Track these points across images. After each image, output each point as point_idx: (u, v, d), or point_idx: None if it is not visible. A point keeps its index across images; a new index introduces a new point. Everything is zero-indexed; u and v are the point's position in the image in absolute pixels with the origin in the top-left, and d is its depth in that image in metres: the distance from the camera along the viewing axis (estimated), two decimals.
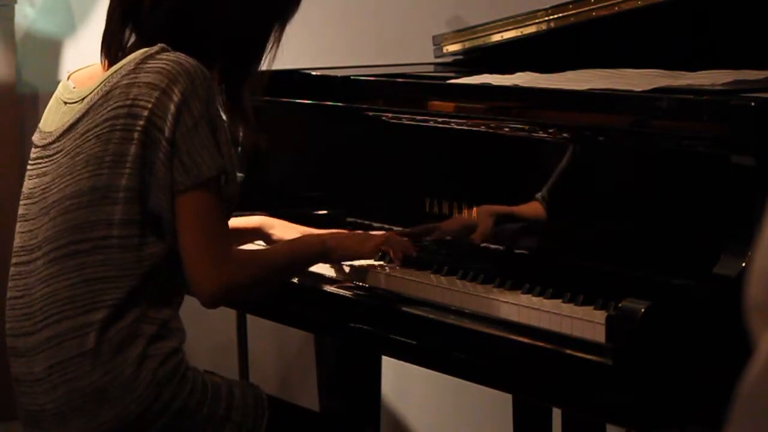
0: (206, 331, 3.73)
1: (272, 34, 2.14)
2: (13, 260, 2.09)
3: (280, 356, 3.94)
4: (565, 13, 2.57)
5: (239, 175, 2.35)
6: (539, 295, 2.04)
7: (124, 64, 2.03)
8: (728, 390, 0.97)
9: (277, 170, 2.77)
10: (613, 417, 1.97)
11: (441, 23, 3.26)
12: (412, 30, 3.39)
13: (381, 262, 2.30)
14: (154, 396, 1.97)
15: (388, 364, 2.91)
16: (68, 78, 2.15)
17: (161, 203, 1.97)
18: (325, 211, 2.61)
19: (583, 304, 1.97)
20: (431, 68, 2.92)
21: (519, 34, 2.68)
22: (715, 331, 1.83)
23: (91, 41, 2.95)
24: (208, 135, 1.98)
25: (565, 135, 2.18)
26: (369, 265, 2.29)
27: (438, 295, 2.16)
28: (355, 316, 2.26)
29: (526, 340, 1.96)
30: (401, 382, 3.57)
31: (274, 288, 2.25)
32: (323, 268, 2.30)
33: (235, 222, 2.35)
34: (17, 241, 2.10)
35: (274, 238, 2.40)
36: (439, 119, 2.39)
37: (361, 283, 2.28)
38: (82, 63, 2.20)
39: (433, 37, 2.93)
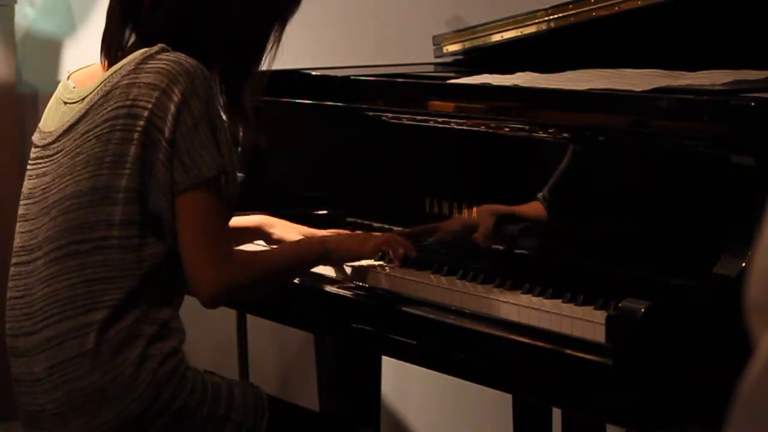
0: (206, 331, 3.73)
1: (272, 34, 2.14)
2: (13, 260, 2.09)
3: (280, 356, 3.94)
4: (565, 13, 2.57)
5: (239, 175, 2.35)
6: (539, 295, 2.04)
7: (124, 65, 2.03)
8: (728, 390, 0.96)
9: (277, 170, 2.77)
10: (613, 417, 1.97)
11: (441, 23, 3.26)
12: (412, 30, 3.39)
13: (381, 262, 2.30)
14: (154, 396, 1.97)
15: (388, 364, 2.91)
16: (68, 78, 2.15)
17: (161, 203, 1.97)
18: (325, 211, 2.61)
19: (583, 304, 1.97)
20: (431, 68, 2.92)
21: (519, 34, 2.68)
22: (715, 331, 1.83)
23: (91, 41, 2.95)
24: (208, 135, 1.98)
25: (565, 135, 2.18)
26: (369, 266, 2.29)
27: (438, 295, 2.16)
28: (355, 316, 2.26)
29: (526, 340, 1.96)
30: (401, 382, 3.57)
31: (274, 289, 2.25)
32: (323, 268, 2.30)
33: (235, 221, 2.34)
34: (17, 241, 2.10)
35: (275, 237, 2.41)
36: (439, 119, 2.39)
37: (361, 283, 2.28)
38: (82, 63, 2.20)
39: (433, 37, 2.93)
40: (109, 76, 2.03)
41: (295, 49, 2.22)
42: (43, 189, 2.06)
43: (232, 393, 2.05)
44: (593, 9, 2.50)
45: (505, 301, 2.05)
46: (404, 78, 2.64)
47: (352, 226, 2.45)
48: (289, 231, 2.40)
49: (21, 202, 2.11)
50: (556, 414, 2.71)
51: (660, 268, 1.96)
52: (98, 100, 2.02)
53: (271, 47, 2.15)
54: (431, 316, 2.11)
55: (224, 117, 2.08)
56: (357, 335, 2.29)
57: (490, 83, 2.39)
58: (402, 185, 2.46)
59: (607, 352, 1.82)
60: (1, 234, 3.26)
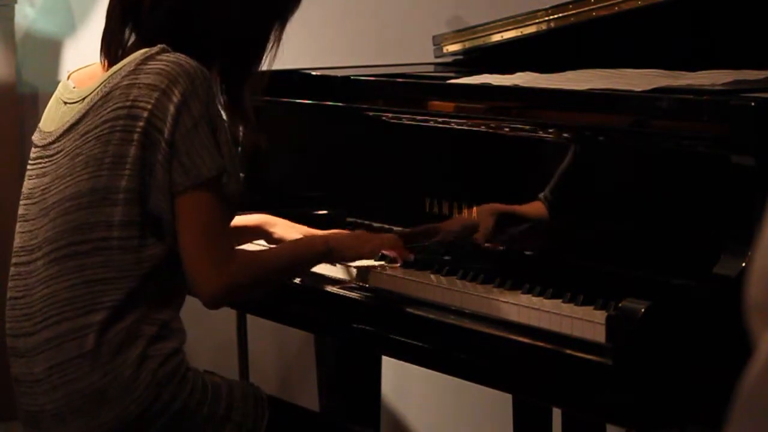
0: (206, 331, 3.73)
1: (272, 33, 2.14)
2: (13, 260, 2.09)
3: (280, 356, 3.94)
4: (565, 13, 2.57)
5: (241, 175, 2.35)
6: (539, 295, 2.04)
7: (125, 65, 2.03)
8: (728, 390, 0.97)
9: (277, 170, 2.77)
10: (613, 417, 1.97)
11: (441, 23, 3.26)
12: (412, 30, 3.39)
13: (381, 262, 2.30)
14: (154, 396, 1.97)
15: (388, 364, 2.91)
16: (68, 78, 2.15)
17: (161, 204, 1.97)
18: (325, 211, 2.61)
19: (583, 304, 1.97)
20: (431, 68, 2.92)
21: (519, 34, 2.68)
22: (715, 331, 1.83)
23: (91, 41, 2.95)
24: (208, 135, 1.97)
25: (565, 135, 2.18)
26: (369, 266, 2.29)
27: (438, 295, 2.16)
28: (355, 317, 2.26)
29: (526, 340, 1.96)
30: (401, 382, 3.57)
31: (275, 288, 2.25)
32: (323, 269, 2.30)
33: (235, 221, 2.34)
34: (17, 242, 2.09)
35: (275, 236, 2.40)
36: (439, 119, 2.39)
37: (361, 283, 2.28)
38: (82, 63, 2.20)
39: (433, 37, 2.93)
40: (109, 77, 2.03)
41: (295, 49, 2.22)
42: (42, 189, 2.06)
43: (232, 393, 2.05)
44: (593, 9, 2.50)
45: (505, 301, 2.05)
46: (404, 78, 2.64)
47: (352, 226, 2.45)
48: (290, 230, 2.40)
49: (21, 202, 2.11)
50: (556, 414, 2.71)
51: (660, 268, 1.96)
52: (98, 100, 2.02)
53: (271, 47, 2.14)
54: (431, 316, 2.11)
55: (224, 117, 2.08)
56: (357, 335, 2.29)
57: (490, 83, 2.39)
58: (402, 185, 2.46)
59: (607, 352, 1.82)
60: (1, 234, 3.26)
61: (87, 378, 1.97)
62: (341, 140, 2.66)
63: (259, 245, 2.43)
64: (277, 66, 2.18)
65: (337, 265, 2.30)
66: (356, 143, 2.61)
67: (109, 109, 2.00)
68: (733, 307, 1.22)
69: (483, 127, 2.31)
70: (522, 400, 2.71)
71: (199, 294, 2.01)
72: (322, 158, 2.70)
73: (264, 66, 2.15)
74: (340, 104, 2.62)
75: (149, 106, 1.96)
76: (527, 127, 2.25)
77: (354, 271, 2.29)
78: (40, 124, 2.14)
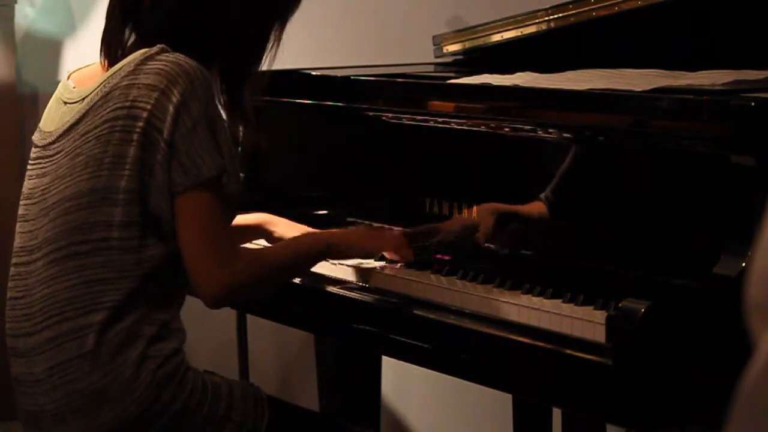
0: (206, 331, 3.73)
1: (272, 33, 2.14)
2: (14, 260, 2.09)
3: (280, 356, 3.94)
4: (565, 13, 2.57)
5: (241, 174, 2.35)
6: (539, 295, 2.04)
7: (124, 65, 2.03)
8: (728, 390, 0.96)
9: (277, 170, 2.77)
10: (613, 417, 1.97)
11: (441, 23, 3.26)
12: (412, 30, 3.39)
13: (381, 263, 2.30)
14: (154, 397, 1.97)
15: (388, 364, 2.92)
16: (68, 77, 2.15)
17: (161, 205, 1.97)
18: (325, 211, 2.61)
19: (583, 304, 1.97)
20: (431, 68, 2.92)
21: (519, 34, 2.68)
22: (715, 331, 1.83)
23: (91, 41, 2.95)
24: (208, 136, 1.97)
25: (565, 135, 2.18)
26: (369, 266, 2.28)
27: (438, 295, 2.15)
28: (355, 317, 2.26)
29: (526, 340, 1.96)
30: (401, 382, 3.57)
31: (278, 287, 2.24)
32: (323, 269, 2.30)
33: (235, 220, 2.34)
34: (17, 242, 2.09)
35: (276, 235, 2.40)
36: (439, 119, 2.39)
37: (361, 283, 2.28)
38: (82, 63, 2.20)
39: (433, 37, 2.93)
40: (109, 77, 2.03)
41: (295, 49, 2.22)
42: (42, 190, 2.06)
43: (232, 393, 2.05)
44: (593, 9, 2.50)
45: (505, 301, 2.05)
46: (404, 78, 2.64)
47: (353, 226, 2.45)
48: (290, 229, 2.39)
49: (21, 202, 2.11)
50: (556, 414, 2.71)
51: (660, 268, 1.96)
52: (98, 100, 2.02)
53: (271, 47, 2.14)
54: (431, 316, 2.11)
55: (224, 117, 2.08)
56: (357, 335, 2.29)
57: (490, 83, 2.39)
58: (402, 185, 2.46)
59: (607, 352, 1.82)
60: (1, 234, 3.26)
61: (87, 378, 1.97)
62: (341, 140, 2.66)
63: (259, 245, 2.43)
64: (277, 66, 2.18)
65: (337, 265, 2.30)
66: (356, 143, 2.61)
67: (108, 110, 2.00)
68: (733, 307, 1.22)
69: (483, 127, 2.31)
70: (522, 400, 2.71)
71: (201, 294, 2.00)
72: (322, 158, 2.70)
73: (264, 66, 2.15)
74: (340, 104, 2.62)
75: (149, 107, 1.96)
76: (527, 127, 2.25)
77: (354, 271, 2.29)
78: (40, 124, 2.14)
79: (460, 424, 3.50)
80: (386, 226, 2.41)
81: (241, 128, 2.27)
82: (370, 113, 2.55)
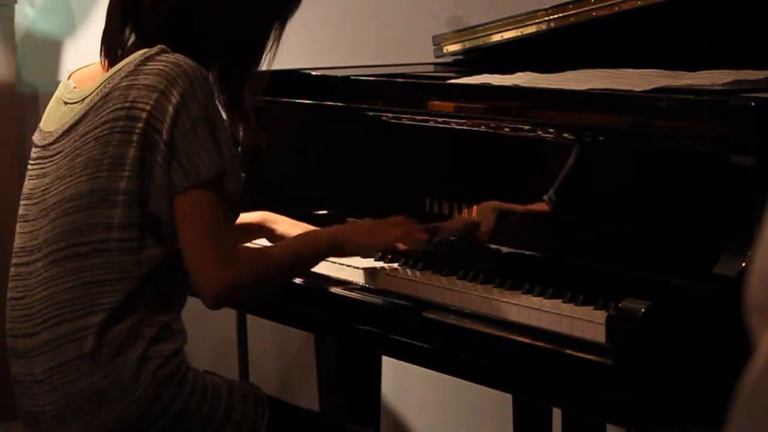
0: (206, 331, 3.73)
1: (272, 33, 2.14)
2: (14, 261, 2.09)
3: (280, 356, 3.94)
4: (565, 13, 2.57)
5: (241, 174, 2.35)
6: (539, 295, 2.04)
7: (124, 66, 2.03)
8: (728, 390, 0.97)
9: (277, 170, 2.77)
10: (613, 417, 1.97)
11: (441, 23, 3.26)
12: (412, 30, 3.39)
13: (381, 263, 2.30)
14: (154, 397, 1.97)
15: (388, 364, 2.91)
16: (69, 77, 2.15)
17: (160, 206, 1.97)
18: (325, 211, 2.61)
19: (583, 304, 1.97)
20: (431, 68, 2.92)
21: (519, 34, 2.68)
22: (715, 331, 1.83)
23: (91, 41, 2.95)
24: (207, 136, 1.97)
25: (565, 135, 2.18)
26: (369, 266, 2.28)
27: (438, 295, 2.15)
28: (355, 317, 2.26)
29: (526, 340, 1.96)
30: (401, 382, 3.57)
31: (281, 286, 2.24)
32: (323, 269, 2.30)
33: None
34: (17, 242, 2.09)
35: (278, 233, 2.39)
36: (439, 119, 2.39)
37: (361, 284, 2.28)
38: (82, 63, 2.20)
39: (433, 37, 2.93)
40: (109, 77, 2.03)
41: (295, 49, 2.22)
42: (42, 190, 2.06)
43: (232, 393, 2.05)
44: (593, 9, 2.50)
45: (505, 301, 2.05)
46: (404, 78, 2.64)
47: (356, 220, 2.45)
48: (292, 227, 2.39)
49: (21, 203, 2.11)
50: (556, 414, 2.71)
51: (660, 268, 1.96)
52: (98, 101, 2.02)
53: (271, 47, 2.14)
54: (431, 316, 2.11)
55: (224, 116, 2.08)
56: (357, 335, 2.29)
57: (490, 83, 2.39)
58: (402, 185, 2.46)
59: (607, 352, 1.82)
60: (1, 234, 3.26)
61: (87, 379, 1.96)
62: (341, 140, 2.66)
63: (261, 244, 2.43)
64: (277, 66, 2.18)
65: (337, 265, 2.30)
66: (356, 143, 2.61)
67: (108, 110, 2.00)
68: (733, 307, 1.22)
69: (483, 127, 2.31)
70: (522, 400, 2.71)
71: (202, 294, 2.00)
72: (322, 158, 2.70)
73: (264, 66, 2.15)
74: (340, 104, 2.62)
75: (148, 107, 1.96)
76: (527, 127, 2.25)
77: (354, 271, 2.29)
78: (41, 124, 2.14)
79: (460, 424, 3.50)
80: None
81: (241, 128, 2.26)
82: (370, 113, 2.55)
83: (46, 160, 2.07)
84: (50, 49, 4.07)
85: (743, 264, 1.84)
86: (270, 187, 2.75)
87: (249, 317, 3.46)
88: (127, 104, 1.98)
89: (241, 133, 2.37)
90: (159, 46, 2.02)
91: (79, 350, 1.97)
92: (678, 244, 1.97)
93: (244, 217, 2.38)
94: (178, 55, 2.00)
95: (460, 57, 2.88)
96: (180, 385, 1.98)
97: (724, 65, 2.33)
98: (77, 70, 2.17)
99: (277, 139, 2.63)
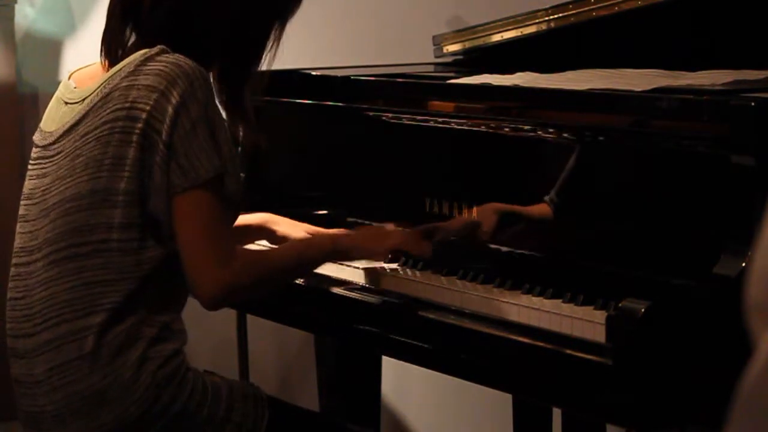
0: (206, 331, 3.73)
1: (272, 33, 2.14)
2: (14, 261, 2.09)
3: (280, 356, 3.94)
4: (565, 13, 2.57)
5: (241, 174, 2.35)
6: (539, 295, 2.04)
7: (124, 66, 2.03)
8: (728, 390, 0.97)
9: (277, 170, 2.77)
10: (613, 417, 1.97)
11: (441, 23, 3.26)
12: (412, 30, 3.39)
13: (381, 263, 2.30)
14: (154, 398, 1.96)
15: (388, 364, 2.92)
16: (69, 77, 2.15)
17: (159, 206, 1.97)
18: (325, 211, 2.61)
19: (583, 304, 1.97)
20: (431, 68, 2.92)
21: (519, 34, 2.68)
22: (715, 331, 1.83)
23: (91, 41, 2.95)
24: (207, 137, 1.97)
25: (565, 135, 2.18)
26: (369, 266, 2.28)
27: (438, 295, 2.15)
28: (355, 317, 2.26)
29: (526, 340, 1.96)
30: (401, 382, 3.57)
31: (279, 288, 2.24)
32: (323, 269, 2.29)
33: (238, 220, 2.34)
34: (18, 242, 2.09)
35: (279, 234, 2.39)
36: (439, 119, 2.39)
37: (361, 284, 2.28)
38: (81, 63, 2.20)
39: (433, 37, 2.93)
40: (109, 78, 2.03)
41: (295, 49, 2.22)
42: (43, 190, 2.06)
43: (232, 394, 2.05)
44: (593, 9, 2.50)
45: (505, 301, 2.05)
46: (404, 78, 2.64)
47: (352, 226, 2.45)
48: (293, 228, 2.39)
49: (21, 203, 2.11)
50: (556, 414, 2.71)
51: (660, 268, 1.96)
52: (98, 101, 2.02)
53: (271, 47, 2.14)
54: (431, 316, 2.11)
55: (225, 116, 2.08)
56: (357, 335, 2.29)
57: (490, 83, 2.39)
58: (402, 185, 2.46)
59: (607, 352, 1.82)
60: (2, 234, 3.26)
61: (86, 380, 1.96)
62: (341, 140, 2.66)
63: (262, 245, 2.43)
64: (277, 66, 2.18)
65: (337, 265, 2.30)
66: (356, 143, 2.61)
67: (108, 111, 2.00)
68: (733, 307, 1.22)
69: (483, 127, 2.31)
70: (522, 400, 2.71)
71: (199, 295, 2.00)
72: (322, 158, 2.70)
73: (264, 66, 2.15)
74: (340, 104, 2.62)
75: (148, 108, 1.96)
76: (527, 127, 2.25)
77: (354, 271, 2.29)
78: (41, 124, 2.14)
79: (460, 424, 3.50)
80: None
81: (241, 128, 2.26)
82: (370, 113, 2.55)
83: (47, 160, 2.07)
84: (50, 49, 4.07)
85: (743, 264, 1.84)
86: (270, 187, 2.75)
87: (249, 317, 3.46)
88: (127, 104, 1.98)
89: (241, 133, 2.37)
90: (159, 46, 2.02)
91: (79, 350, 1.97)
92: (678, 244, 1.97)
93: (246, 219, 2.38)
94: (178, 55, 2.00)
95: (460, 57, 2.88)
96: (180, 386, 1.98)
97: (724, 65, 2.33)
98: (78, 70, 2.17)
99: (277, 139, 2.63)
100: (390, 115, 2.50)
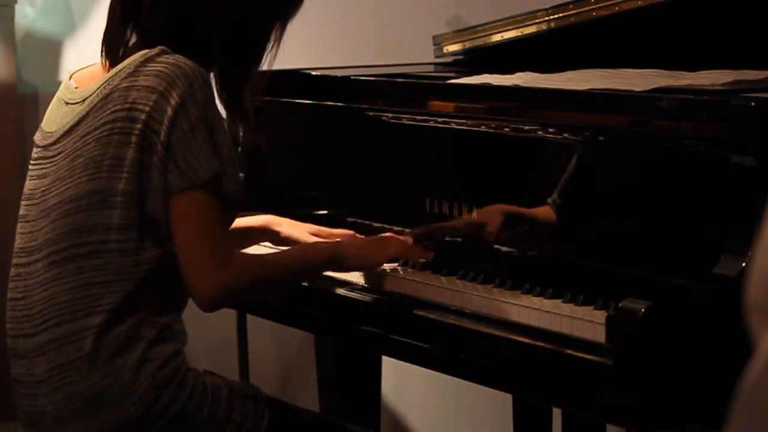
0: (206, 331, 3.73)
1: (273, 33, 2.14)
2: (14, 261, 2.09)
3: (280, 356, 3.94)
4: (565, 13, 2.57)
5: (240, 174, 2.35)
6: (539, 295, 2.04)
7: (124, 67, 2.03)
8: (728, 390, 0.97)
9: (277, 170, 2.77)
10: (613, 417, 1.97)
11: (441, 23, 3.26)
12: (412, 30, 3.39)
13: (393, 265, 2.30)
14: (154, 398, 1.96)
15: (388, 364, 2.91)
16: (70, 78, 2.15)
17: (157, 207, 1.97)
18: (325, 211, 2.61)
19: (583, 304, 1.97)
20: (431, 68, 2.92)
21: (519, 34, 2.68)
22: (715, 331, 1.83)
23: (91, 41, 2.95)
24: (205, 139, 1.97)
25: (565, 135, 2.18)
26: None
27: (438, 295, 2.15)
28: (356, 317, 2.26)
29: (526, 340, 1.96)
30: (401, 382, 3.57)
31: (278, 293, 2.23)
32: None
33: (240, 222, 2.34)
34: (18, 242, 2.09)
35: (282, 236, 2.39)
36: (439, 119, 2.39)
37: (361, 284, 2.28)
38: (81, 63, 2.20)
39: (433, 37, 2.93)
40: (109, 78, 2.03)
41: (295, 49, 2.22)
42: (43, 191, 2.06)
43: (232, 394, 2.04)
44: (593, 9, 2.50)
45: (505, 301, 2.05)
46: (404, 78, 2.64)
47: (352, 226, 2.45)
48: (296, 230, 2.38)
49: (22, 203, 2.11)
50: (556, 414, 2.71)
51: (660, 268, 1.96)
52: (98, 102, 2.02)
53: (272, 47, 2.14)
54: (431, 316, 2.11)
55: (224, 116, 2.08)
56: (357, 335, 2.29)
57: (490, 83, 2.39)
58: (402, 185, 2.46)
59: (607, 352, 1.82)
60: (2, 234, 3.26)
61: (86, 380, 1.96)
62: (341, 140, 2.66)
63: (265, 247, 2.43)
64: (277, 66, 2.18)
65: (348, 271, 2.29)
66: (356, 143, 2.61)
67: (108, 111, 2.00)
68: (733, 307, 1.22)
69: (483, 127, 2.31)
70: (522, 400, 2.71)
71: (196, 296, 1.99)
72: (322, 158, 2.70)
73: (264, 66, 2.15)
74: (340, 104, 2.62)
75: (147, 109, 1.96)
76: (527, 127, 2.25)
77: (354, 272, 2.29)
78: (42, 124, 2.14)
79: (460, 424, 3.50)
80: (386, 226, 2.40)
81: (241, 128, 2.26)
82: (370, 113, 2.55)
83: (47, 161, 2.07)
84: (50, 49, 4.07)
85: (743, 264, 1.84)
86: (270, 187, 2.75)
87: (249, 317, 3.46)
88: (126, 105, 1.98)
89: (241, 133, 2.37)
90: (159, 47, 2.02)
91: (79, 351, 1.97)
92: (678, 244, 1.97)
93: (248, 221, 2.38)
94: (177, 56, 2.00)
95: (460, 57, 2.88)
96: (180, 386, 1.98)
97: (724, 65, 2.33)
98: (79, 70, 2.17)
99: (277, 139, 2.63)
100: (390, 115, 2.50)
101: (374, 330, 2.22)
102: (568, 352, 1.88)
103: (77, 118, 2.04)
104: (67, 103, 2.09)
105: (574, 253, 2.12)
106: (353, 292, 2.27)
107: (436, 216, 2.33)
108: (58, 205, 2.01)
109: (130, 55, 2.04)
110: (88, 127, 2.01)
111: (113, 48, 2.08)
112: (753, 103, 1.91)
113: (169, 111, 1.95)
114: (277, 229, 2.40)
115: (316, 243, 2.31)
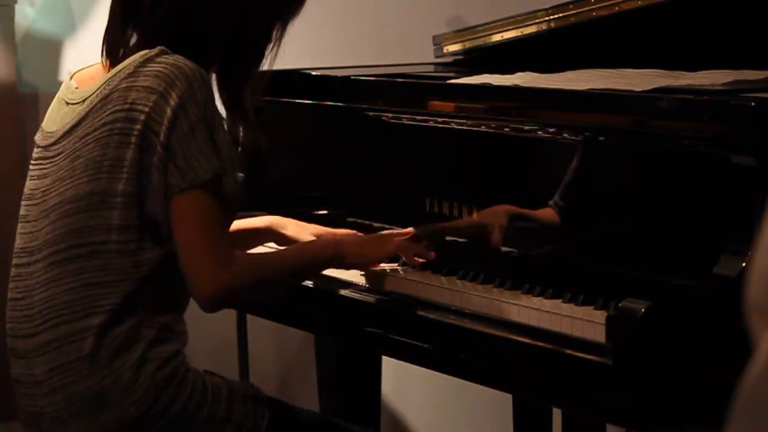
0: (206, 331, 3.73)
1: (273, 33, 2.14)
2: (14, 261, 2.09)
3: (280, 356, 3.94)
4: (565, 13, 2.57)
5: (240, 175, 2.35)
6: (539, 295, 2.04)
7: (124, 67, 2.03)
8: (728, 390, 0.97)
9: (277, 170, 2.77)
10: (613, 417, 1.97)
11: (441, 23, 3.26)
12: (412, 30, 3.39)
13: (381, 264, 2.30)
14: (153, 399, 1.96)
15: (388, 364, 2.91)
16: (71, 78, 2.15)
17: (157, 208, 1.97)
18: (325, 211, 2.61)
19: (583, 304, 1.97)
20: (431, 68, 2.92)
21: (519, 34, 2.68)
22: (715, 331, 1.83)
23: (91, 41, 2.95)
24: (205, 139, 1.97)
25: (565, 135, 2.18)
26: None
27: (438, 295, 2.15)
28: (356, 317, 2.26)
29: (526, 340, 1.96)
30: (401, 382, 3.57)
31: (280, 292, 2.23)
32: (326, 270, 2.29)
33: (245, 223, 2.34)
34: (18, 242, 2.09)
35: (287, 237, 2.39)
36: (439, 119, 2.39)
37: (361, 284, 2.28)
38: (81, 63, 2.20)
39: (433, 37, 2.93)
40: (109, 79, 2.03)
41: (295, 49, 2.22)
42: (43, 191, 2.06)
43: (232, 394, 2.04)
44: (593, 9, 2.50)
45: (505, 301, 2.05)
46: (404, 78, 2.64)
47: (352, 226, 2.45)
48: (300, 230, 2.38)
49: (22, 203, 2.11)
50: (556, 414, 2.71)
51: (660, 268, 1.96)
52: (98, 102, 2.02)
53: (272, 47, 2.14)
54: (431, 316, 2.11)
55: (224, 116, 2.08)
56: (357, 335, 2.29)
57: (490, 83, 2.39)
58: (402, 185, 2.46)
59: (607, 352, 1.82)
60: (2, 234, 3.26)
61: (86, 381, 1.96)
62: (341, 140, 2.66)
63: (269, 248, 2.42)
64: (277, 66, 2.18)
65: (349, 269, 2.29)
66: (356, 143, 2.61)
67: (108, 112, 2.00)
68: (733, 307, 1.22)
69: (483, 127, 2.31)
70: (522, 400, 2.71)
71: (197, 296, 1.99)
72: (322, 158, 2.70)
73: (264, 66, 2.15)
74: (340, 104, 2.62)
75: (147, 109, 1.96)
76: (527, 127, 2.25)
77: (354, 271, 2.29)
78: (43, 124, 2.14)
79: (460, 424, 3.50)
80: (386, 226, 2.40)
81: (241, 128, 2.26)
82: (370, 113, 2.55)
83: (47, 161, 2.07)
84: (50, 49, 4.07)
85: (743, 264, 1.84)
86: (270, 187, 2.75)
87: (249, 317, 3.46)
88: (126, 106, 1.98)
89: (241, 133, 2.37)
90: (159, 47, 2.02)
91: (79, 351, 1.97)
92: (678, 244, 1.97)
93: (252, 222, 2.38)
94: (177, 56, 2.00)
95: (460, 57, 2.88)
96: (180, 386, 1.98)
97: (724, 65, 2.33)
98: (79, 70, 2.17)
99: (277, 139, 2.63)
100: (390, 115, 2.50)
101: (374, 330, 2.22)
102: (568, 352, 1.88)
103: (77, 118, 2.04)
104: (67, 103, 2.09)
105: (574, 253, 2.12)
106: (353, 292, 2.27)
107: (436, 216, 2.33)
108: (59, 205, 2.01)
109: (130, 55, 2.04)
110: (88, 128, 2.01)
111: (113, 48, 2.08)
112: (753, 103, 1.91)
113: (169, 111, 1.95)
114: (282, 230, 2.39)
115: (315, 241, 2.30)
